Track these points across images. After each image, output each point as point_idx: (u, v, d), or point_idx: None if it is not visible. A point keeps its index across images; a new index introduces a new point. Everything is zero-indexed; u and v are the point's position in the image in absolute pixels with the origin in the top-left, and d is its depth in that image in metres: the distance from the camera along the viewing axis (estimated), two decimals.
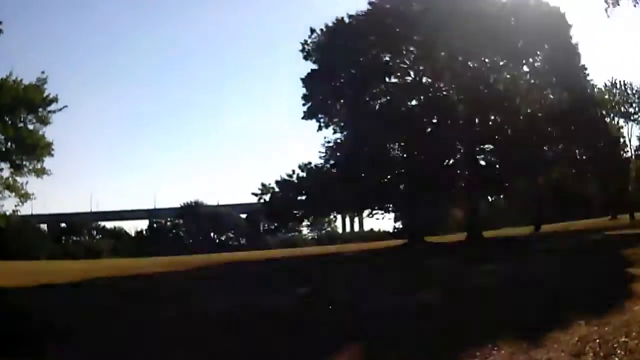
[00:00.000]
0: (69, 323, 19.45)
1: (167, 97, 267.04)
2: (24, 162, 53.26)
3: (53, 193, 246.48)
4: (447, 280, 22.42)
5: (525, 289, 19.86)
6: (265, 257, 56.93)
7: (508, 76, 55.88)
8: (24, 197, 53.96)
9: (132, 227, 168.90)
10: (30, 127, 53.91)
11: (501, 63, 56.13)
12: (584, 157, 65.30)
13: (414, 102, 58.22)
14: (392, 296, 20.20)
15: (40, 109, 53.46)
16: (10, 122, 52.19)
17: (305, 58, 59.35)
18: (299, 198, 61.26)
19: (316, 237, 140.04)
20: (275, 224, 73.46)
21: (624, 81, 75.95)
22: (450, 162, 59.70)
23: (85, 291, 32.14)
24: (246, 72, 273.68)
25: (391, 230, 64.56)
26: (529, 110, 56.36)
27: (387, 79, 58.36)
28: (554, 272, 20.69)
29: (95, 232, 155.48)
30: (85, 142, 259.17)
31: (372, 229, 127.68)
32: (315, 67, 59.25)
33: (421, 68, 56.85)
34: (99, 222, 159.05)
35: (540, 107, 56.94)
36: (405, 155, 59.96)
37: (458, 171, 58.97)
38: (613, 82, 74.15)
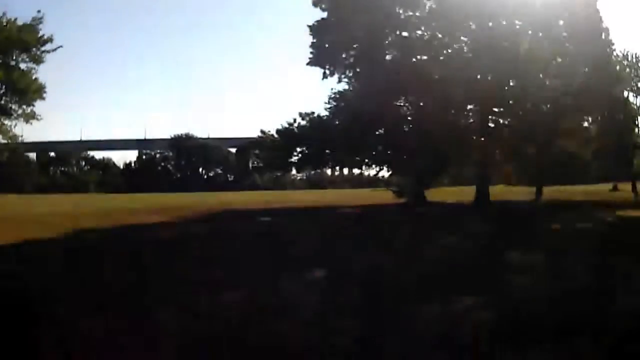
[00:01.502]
0: None
1: (163, 28, 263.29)
2: (13, 107, 49.85)
3: (42, 120, 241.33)
4: None
5: None
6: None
7: (527, 41, 51.21)
8: (12, 139, 51.31)
9: (121, 158, 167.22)
10: (23, 66, 51.05)
11: (518, 27, 51.51)
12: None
13: (425, 58, 53.04)
14: None
15: (34, 49, 50.41)
16: (1, 63, 49.12)
17: (315, 4, 54.33)
18: (298, 149, 57.26)
19: (305, 177, 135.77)
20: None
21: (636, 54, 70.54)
22: (462, 121, 55.22)
23: None
24: (250, 10, 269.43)
25: (393, 189, 58.04)
26: (547, 82, 52.02)
27: (400, 33, 53.28)
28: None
29: (83, 163, 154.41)
30: (76, 71, 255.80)
31: (361, 174, 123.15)
32: (324, 15, 54.44)
33: (434, 24, 52.07)
34: (88, 152, 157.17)
35: (559, 77, 52.66)
36: (413, 111, 55.61)
37: (469, 132, 54.17)
38: (624, 54, 68.61)
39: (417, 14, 52.60)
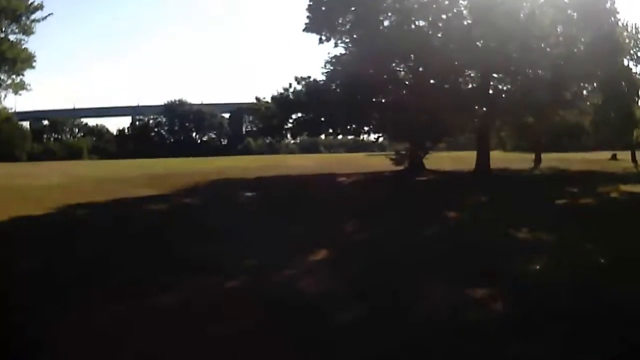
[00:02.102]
0: None
1: None
2: (2, 77, 47.84)
3: (36, 88, 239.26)
4: None
5: None
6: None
7: (527, 5, 49.04)
8: (2, 112, 49.53)
9: (115, 125, 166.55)
10: (12, 37, 48.82)
11: None
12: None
13: (423, 23, 50.98)
14: None
15: (24, 18, 48.02)
16: None
17: None
18: (294, 115, 55.29)
19: (299, 141, 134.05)
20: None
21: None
22: (462, 87, 53.07)
23: None
24: None
25: (391, 156, 55.83)
26: (548, 49, 49.87)
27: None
28: None
29: (77, 130, 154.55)
30: (69, 37, 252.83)
31: (355, 137, 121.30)
32: None
33: None
34: (82, 119, 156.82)
35: (561, 45, 50.66)
36: (412, 77, 53.44)
37: (469, 99, 51.81)
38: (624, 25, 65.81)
39: None
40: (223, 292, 12.27)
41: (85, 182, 43.80)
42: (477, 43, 47.59)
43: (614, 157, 75.32)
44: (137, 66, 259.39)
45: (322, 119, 53.90)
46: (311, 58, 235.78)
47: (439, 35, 48.96)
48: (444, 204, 28.59)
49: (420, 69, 52.28)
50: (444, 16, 49.59)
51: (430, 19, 49.72)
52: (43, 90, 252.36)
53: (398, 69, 53.78)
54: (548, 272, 13.72)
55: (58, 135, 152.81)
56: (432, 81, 52.04)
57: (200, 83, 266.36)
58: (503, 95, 52.61)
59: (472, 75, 53.28)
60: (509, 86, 53.16)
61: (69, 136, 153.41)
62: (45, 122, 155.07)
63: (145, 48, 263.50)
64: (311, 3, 51.96)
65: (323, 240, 18.04)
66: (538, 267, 14.17)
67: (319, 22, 52.19)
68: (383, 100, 53.75)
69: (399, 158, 54.63)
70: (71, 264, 14.90)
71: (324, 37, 52.95)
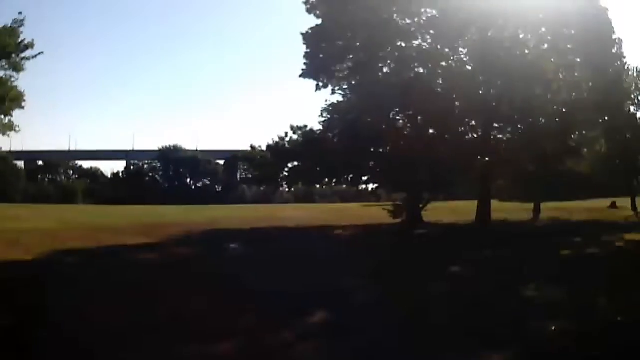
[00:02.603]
0: None
1: (153, 38, 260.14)
2: None
3: (32, 129, 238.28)
4: None
5: None
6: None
7: (529, 52, 47.69)
8: None
9: (109, 168, 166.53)
10: (1, 74, 47.03)
11: (522, 37, 48.20)
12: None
13: (423, 70, 49.45)
14: None
15: (14, 55, 46.39)
16: None
17: (309, 11, 50.60)
18: (290, 165, 53.71)
19: (293, 190, 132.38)
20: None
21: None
22: (463, 136, 51.26)
23: None
24: (243, 20, 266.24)
25: (388, 208, 53.60)
26: (549, 96, 48.46)
27: (398, 43, 49.48)
28: None
29: (71, 172, 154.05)
30: (65, 81, 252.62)
31: (351, 187, 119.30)
32: (319, 22, 50.71)
33: (433, 33, 48.48)
34: (76, 162, 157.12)
35: (563, 92, 49.26)
36: (411, 126, 51.66)
37: (471, 148, 50.08)
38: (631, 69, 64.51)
39: (416, 20, 48.99)
40: None
41: (78, 229, 42.47)
42: (479, 91, 46.23)
43: (613, 205, 73.29)
44: (132, 110, 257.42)
45: (319, 168, 52.37)
46: (308, 105, 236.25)
47: (440, 82, 47.34)
48: (447, 259, 27.08)
49: (420, 118, 50.61)
50: (444, 63, 48.25)
51: (430, 67, 48.23)
52: (37, 130, 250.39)
53: (397, 117, 52.28)
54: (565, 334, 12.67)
55: (52, 176, 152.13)
56: (431, 131, 50.58)
57: (195, 129, 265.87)
58: (503, 145, 50.92)
59: (473, 124, 51.51)
60: (509, 135, 51.69)
61: (63, 178, 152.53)
62: (40, 163, 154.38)
63: (140, 91, 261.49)
64: (308, 50, 50.51)
65: (325, 300, 16.57)
66: (554, 328, 13.00)
67: (317, 68, 50.73)
68: (381, 150, 52.03)
69: (397, 210, 52.54)
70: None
71: (321, 84, 51.55)
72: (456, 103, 46.28)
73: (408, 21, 48.72)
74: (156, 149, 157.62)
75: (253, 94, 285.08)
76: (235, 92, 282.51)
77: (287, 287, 18.51)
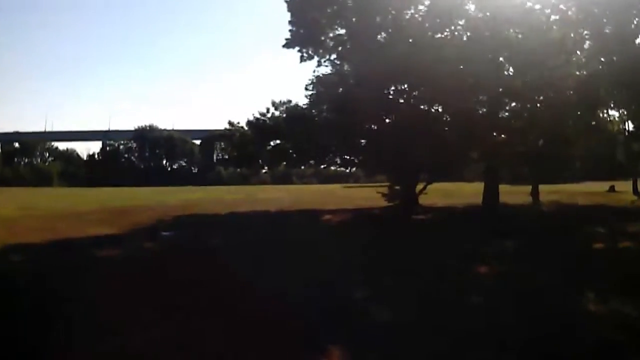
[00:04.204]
0: None
1: (125, 17, 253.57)
2: None
3: (7, 111, 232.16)
4: None
5: None
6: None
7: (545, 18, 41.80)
8: None
9: (85, 149, 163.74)
10: None
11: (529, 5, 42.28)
12: None
13: (423, 39, 42.62)
14: None
15: None
16: None
17: None
18: (272, 142, 47.91)
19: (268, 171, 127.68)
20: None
21: None
22: (470, 112, 43.84)
23: None
24: None
25: (382, 191, 46.86)
26: (567, 69, 42.50)
27: (393, 12, 42.85)
28: None
29: (47, 154, 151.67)
30: (41, 61, 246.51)
31: (328, 167, 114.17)
32: None
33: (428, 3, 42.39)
34: (52, 143, 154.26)
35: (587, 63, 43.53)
36: (412, 100, 44.76)
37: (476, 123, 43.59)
38: None
39: None
40: None
41: (38, 217, 37.58)
42: (487, 61, 39.83)
43: (612, 189, 68.87)
44: (108, 90, 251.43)
45: (305, 147, 46.11)
46: (291, 79, 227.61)
47: (442, 52, 40.83)
48: (465, 253, 21.67)
49: (420, 91, 43.81)
50: (447, 31, 42.13)
51: (430, 34, 41.96)
52: (15, 112, 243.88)
53: (396, 87, 45.01)
54: None
55: (29, 158, 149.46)
56: (435, 107, 44.34)
57: (172, 107, 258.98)
58: (513, 122, 44.43)
59: (480, 99, 44.66)
60: (521, 111, 45.06)
61: (39, 160, 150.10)
62: (17, 145, 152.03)
63: (116, 71, 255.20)
64: (293, 18, 43.88)
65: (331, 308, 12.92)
66: None
67: (302, 37, 44.23)
68: (375, 127, 44.90)
69: (392, 193, 45.96)
70: None
71: (306, 55, 45.13)
72: (461, 75, 39.54)
73: None
74: (132, 129, 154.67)
75: (232, 69, 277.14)
76: (213, 69, 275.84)
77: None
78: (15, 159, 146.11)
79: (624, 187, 66.99)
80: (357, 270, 17.47)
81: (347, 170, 58.56)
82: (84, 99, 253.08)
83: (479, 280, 16.77)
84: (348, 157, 47.74)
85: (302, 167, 66.19)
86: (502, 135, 44.70)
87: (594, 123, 47.89)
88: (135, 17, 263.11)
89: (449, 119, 43.01)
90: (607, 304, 13.33)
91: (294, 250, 22.54)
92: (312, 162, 49.98)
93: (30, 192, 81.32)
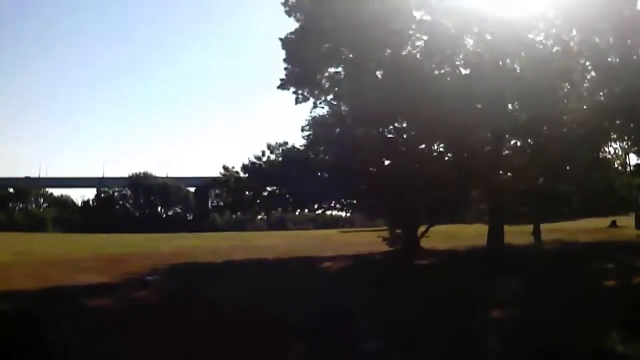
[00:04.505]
0: None
1: (121, 63, 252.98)
2: None
3: (1, 156, 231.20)
4: None
5: None
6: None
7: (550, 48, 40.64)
8: None
9: (80, 195, 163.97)
10: None
11: (541, 35, 41.06)
12: None
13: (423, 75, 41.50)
14: None
15: None
16: None
17: (289, 13, 42.92)
18: (268, 187, 46.73)
19: (265, 217, 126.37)
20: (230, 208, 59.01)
21: None
22: (473, 150, 42.35)
23: None
24: (213, 37, 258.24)
25: (383, 235, 45.32)
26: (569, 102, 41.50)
27: (388, 51, 41.85)
28: None
29: (42, 200, 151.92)
30: (37, 108, 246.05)
31: (324, 212, 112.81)
32: (299, 25, 42.92)
33: (427, 39, 41.37)
34: (47, 189, 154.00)
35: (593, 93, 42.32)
36: (413, 140, 43.54)
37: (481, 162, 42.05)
38: None
39: (412, 26, 41.30)
40: None
41: (31, 263, 37.24)
42: (490, 97, 38.64)
43: (613, 224, 67.46)
44: (101, 137, 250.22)
45: (303, 191, 44.44)
46: (286, 123, 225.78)
47: (444, 88, 39.49)
48: (475, 296, 20.84)
49: (421, 129, 42.50)
50: (448, 68, 40.99)
51: (432, 69, 40.77)
52: (7, 158, 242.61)
53: (394, 126, 44.09)
54: None
55: (23, 204, 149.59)
56: (436, 146, 43.25)
57: (166, 155, 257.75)
58: (518, 159, 43.12)
59: (482, 135, 43.08)
60: (524, 148, 44.16)
61: (34, 205, 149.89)
62: (11, 190, 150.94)
63: (109, 118, 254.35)
64: (288, 57, 43.10)
65: None
66: None
67: (298, 77, 43.30)
68: (375, 170, 43.32)
69: (393, 237, 44.39)
70: None
71: (301, 97, 44.18)
72: (463, 112, 38.26)
73: (401, 25, 41.02)
74: (126, 176, 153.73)
75: (227, 113, 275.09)
76: (207, 115, 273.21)
77: None
78: (10, 204, 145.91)
79: (625, 221, 66.09)
80: (363, 320, 16.17)
81: (343, 215, 57.39)
82: (78, 145, 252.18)
83: (494, 326, 15.70)
84: (346, 201, 46.55)
85: (299, 212, 64.90)
86: (508, 173, 43.90)
87: (600, 156, 46.50)
88: (129, 63, 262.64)
89: (450, 158, 41.93)
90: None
91: (294, 300, 20.98)
92: (310, 206, 48.51)
93: (24, 237, 79.67)
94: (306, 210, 52.61)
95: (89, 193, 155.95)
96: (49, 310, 19.02)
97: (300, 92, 44.01)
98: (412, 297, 21.24)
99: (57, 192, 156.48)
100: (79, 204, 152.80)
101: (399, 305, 19.50)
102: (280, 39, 43.21)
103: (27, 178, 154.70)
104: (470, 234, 54.66)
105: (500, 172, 43.29)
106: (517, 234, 50.82)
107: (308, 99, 44.34)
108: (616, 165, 53.21)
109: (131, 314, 18.70)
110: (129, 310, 19.73)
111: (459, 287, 23.26)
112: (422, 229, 45.38)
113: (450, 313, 17.41)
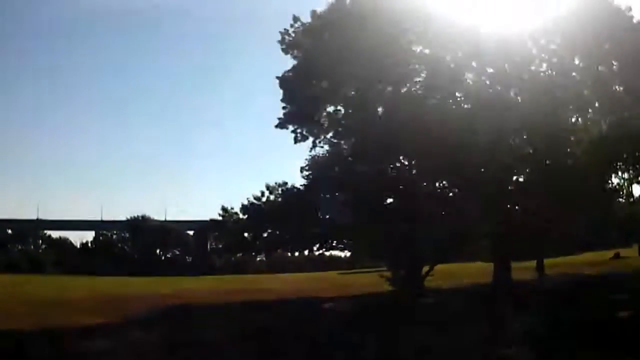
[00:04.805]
0: None
1: (118, 104, 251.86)
2: None
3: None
4: None
5: None
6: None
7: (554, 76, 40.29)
8: None
9: (78, 237, 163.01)
10: None
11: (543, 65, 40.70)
12: None
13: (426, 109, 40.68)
14: None
15: None
16: None
17: (286, 51, 43.03)
18: (269, 228, 46.14)
19: (265, 258, 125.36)
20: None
21: None
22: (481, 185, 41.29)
23: None
24: (209, 79, 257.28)
25: (386, 276, 44.11)
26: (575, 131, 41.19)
27: (389, 88, 41.81)
28: None
29: (40, 242, 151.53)
30: (34, 148, 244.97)
31: (323, 253, 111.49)
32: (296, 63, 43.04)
33: (426, 76, 40.99)
34: (45, 232, 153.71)
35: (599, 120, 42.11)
36: (414, 177, 43.07)
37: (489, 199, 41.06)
38: None
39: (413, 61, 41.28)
40: None
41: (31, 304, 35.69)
42: (495, 129, 38.11)
43: (617, 256, 65.64)
44: (99, 180, 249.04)
45: (304, 232, 44.05)
46: (284, 164, 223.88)
47: (448, 122, 38.80)
48: (492, 337, 20.13)
49: (423, 165, 42.04)
50: (450, 101, 40.67)
51: (435, 103, 40.32)
52: (6, 198, 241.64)
53: (399, 162, 43.72)
54: None
55: (22, 246, 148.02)
56: (441, 183, 42.94)
57: (164, 198, 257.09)
58: (525, 192, 42.79)
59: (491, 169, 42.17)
60: (530, 180, 43.82)
61: (32, 247, 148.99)
62: (9, 232, 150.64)
63: (107, 162, 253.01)
64: (286, 95, 42.97)
65: None
66: None
67: (296, 115, 43.17)
68: (377, 208, 41.59)
69: (397, 278, 43.21)
70: None
71: (300, 136, 43.93)
72: (468, 145, 37.60)
73: (400, 58, 40.61)
74: (125, 219, 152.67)
75: (224, 154, 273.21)
76: (205, 158, 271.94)
77: None
78: (8, 246, 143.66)
79: (628, 252, 65.06)
80: None
81: (343, 256, 56.69)
82: (76, 188, 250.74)
83: None
84: (347, 242, 45.84)
85: (298, 253, 64.33)
86: (516, 207, 43.46)
87: (606, 187, 45.99)
88: (127, 103, 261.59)
89: (457, 194, 41.59)
90: None
91: (300, 349, 19.92)
92: (310, 247, 47.72)
93: (21, 278, 74.13)
94: (309, 249, 50.99)
95: (88, 235, 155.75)
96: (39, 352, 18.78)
97: (299, 130, 43.66)
98: (422, 341, 20.34)
99: (55, 234, 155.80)
100: (78, 246, 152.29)
101: (411, 350, 18.64)
102: (278, 78, 43.00)
103: (25, 220, 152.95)
104: (471, 272, 53.58)
105: (508, 206, 42.81)
106: (519, 270, 49.79)
107: (307, 138, 44.02)
108: (621, 196, 51.99)
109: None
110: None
111: (471, 327, 22.47)
112: (425, 268, 44.13)
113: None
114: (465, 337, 20.17)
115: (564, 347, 16.87)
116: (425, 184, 42.60)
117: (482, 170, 40.87)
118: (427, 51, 40.98)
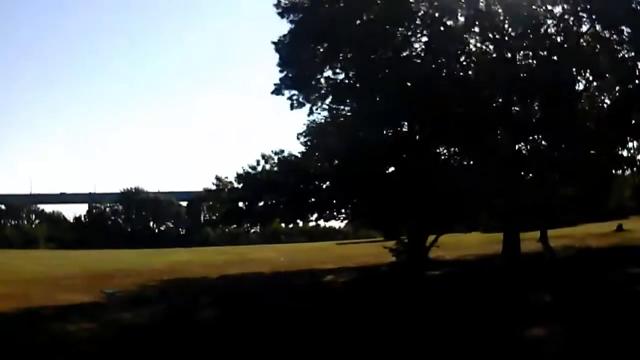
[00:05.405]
0: None
1: (110, 78, 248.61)
2: None
3: None
4: None
5: None
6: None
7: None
8: None
9: (71, 211, 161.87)
10: None
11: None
12: None
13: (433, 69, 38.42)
14: None
15: None
16: None
17: (282, 15, 39.89)
18: (264, 197, 43.43)
19: (258, 230, 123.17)
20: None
21: None
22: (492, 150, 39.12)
23: None
24: (198, 37, 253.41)
25: (390, 247, 42.02)
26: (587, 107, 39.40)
27: (395, 51, 39.19)
28: None
29: (33, 216, 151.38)
30: (25, 123, 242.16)
31: (317, 224, 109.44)
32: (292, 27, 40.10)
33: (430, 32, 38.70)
34: (38, 205, 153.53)
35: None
36: (424, 141, 40.88)
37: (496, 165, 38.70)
38: None
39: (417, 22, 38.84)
40: None
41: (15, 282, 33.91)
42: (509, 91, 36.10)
43: (619, 228, 62.79)
44: (92, 152, 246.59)
45: (302, 200, 42.10)
46: (281, 127, 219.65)
47: (459, 82, 36.79)
48: (506, 311, 18.26)
49: (433, 130, 39.79)
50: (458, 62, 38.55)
51: (442, 62, 38.26)
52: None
53: (404, 129, 41.47)
54: None
55: (15, 220, 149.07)
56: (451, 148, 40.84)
57: (157, 169, 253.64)
58: (539, 158, 40.68)
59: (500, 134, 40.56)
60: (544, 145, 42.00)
61: (25, 222, 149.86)
62: (2, 207, 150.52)
63: (100, 134, 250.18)
64: (282, 59, 40.38)
65: None
66: None
67: (294, 79, 40.46)
68: (381, 176, 40.27)
69: (400, 248, 41.10)
70: None
71: (296, 103, 41.40)
72: (476, 109, 35.48)
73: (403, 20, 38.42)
74: (118, 191, 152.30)
75: (218, 121, 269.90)
76: (198, 127, 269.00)
77: None
78: (2, 221, 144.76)
79: (631, 225, 62.91)
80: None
81: (338, 227, 54.57)
82: (68, 161, 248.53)
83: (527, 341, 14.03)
84: (348, 210, 43.56)
85: (292, 225, 61.83)
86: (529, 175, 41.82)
87: (624, 153, 44.46)
88: (119, 74, 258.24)
89: (464, 162, 39.88)
90: None
91: (304, 326, 17.39)
92: (309, 216, 45.52)
93: (12, 254, 78.48)
94: (307, 218, 48.95)
95: (81, 209, 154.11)
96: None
97: (295, 97, 41.27)
98: (435, 315, 18.08)
99: (48, 208, 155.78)
100: (71, 220, 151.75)
101: (424, 326, 16.32)
102: (273, 43, 40.52)
103: (18, 195, 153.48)
104: (474, 243, 52.11)
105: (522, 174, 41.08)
106: (522, 241, 47.75)
107: (304, 105, 41.58)
108: (631, 165, 49.83)
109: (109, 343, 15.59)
110: (107, 338, 16.45)
111: (482, 300, 20.40)
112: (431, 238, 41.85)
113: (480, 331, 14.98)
114: (482, 311, 18.09)
115: (594, 325, 15.07)
116: (433, 149, 40.60)
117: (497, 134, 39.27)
118: (430, 12, 38.43)
